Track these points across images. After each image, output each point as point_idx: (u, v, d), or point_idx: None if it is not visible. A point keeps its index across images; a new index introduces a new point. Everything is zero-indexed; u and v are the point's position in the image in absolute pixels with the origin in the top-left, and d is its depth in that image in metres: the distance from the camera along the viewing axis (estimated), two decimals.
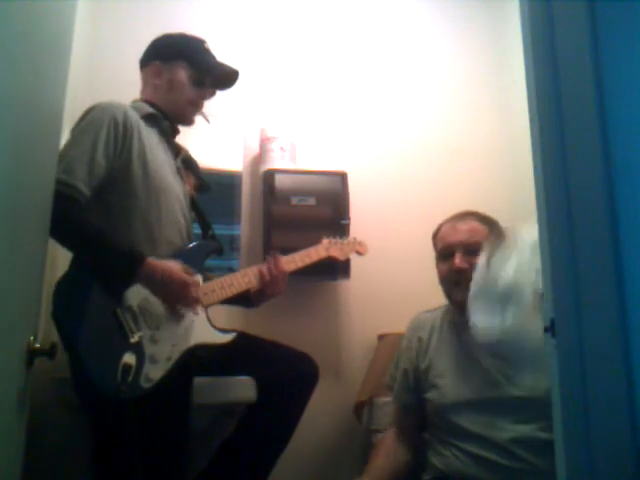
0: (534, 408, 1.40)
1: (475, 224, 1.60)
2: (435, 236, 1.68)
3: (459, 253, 1.56)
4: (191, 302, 1.47)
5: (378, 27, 2.49)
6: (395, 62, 2.48)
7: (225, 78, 1.74)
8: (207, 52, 1.71)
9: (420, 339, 1.66)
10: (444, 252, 1.61)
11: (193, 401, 1.51)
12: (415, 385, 1.63)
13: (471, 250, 1.55)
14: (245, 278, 1.62)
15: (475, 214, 1.64)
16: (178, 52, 1.66)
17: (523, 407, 1.43)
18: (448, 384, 1.55)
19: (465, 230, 1.59)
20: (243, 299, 1.70)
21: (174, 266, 1.46)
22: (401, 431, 1.65)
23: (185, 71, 1.65)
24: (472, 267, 1.52)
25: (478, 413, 1.47)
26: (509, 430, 1.42)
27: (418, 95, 2.48)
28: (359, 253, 1.93)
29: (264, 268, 1.66)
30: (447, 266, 1.59)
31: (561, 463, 0.84)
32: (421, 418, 1.64)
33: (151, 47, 1.69)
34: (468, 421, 1.48)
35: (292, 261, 1.72)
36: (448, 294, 1.62)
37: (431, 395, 1.57)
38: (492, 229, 1.60)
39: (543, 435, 1.37)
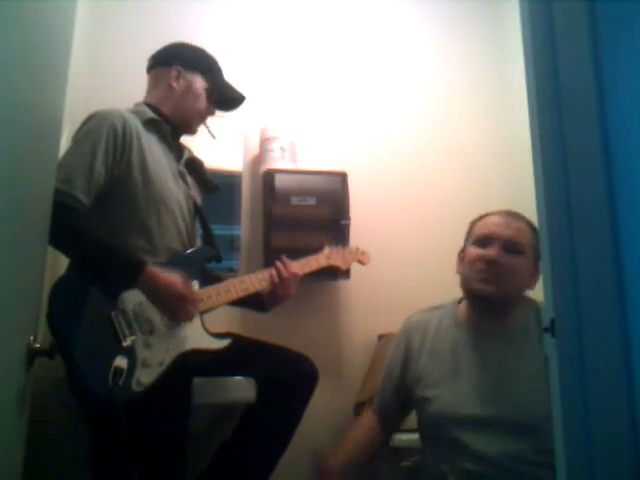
0: (531, 431, 1.35)
1: (525, 227, 1.53)
2: (476, 222, 1.59)
3: (498, 246, 1.49)
4: (186, 317, 1.46)
5: (378, 28, 2.49)
6: (395, 62, 2.48)
7: (232, 101, 1.78)
8: (221, 72, 1.75)
9: (408, 346, 1.59)
10: (482, 239, 1.53)
11: (192, 402, 1.50)
12: (398, 396, 1.60)
13: (511, 249, 1.49)
14: (242, 284, 1.61)
15: (525, 218, 1.56)
16: (198, 63, 1.69)
17: (520, 428, 1.37)
18: (443, 395, 1.47)
19: (516, 228, 1.52)
20: (255, 303, 1.71)
21: (175, 278, 1.45)
22: (383, 419, 1.65)
23: (203, 83, 1.68)
24: (505, 265, 1.47)
25: (474, 428, 1.40)
26: (503, 446, 1.36)
27: (418, 95, 2.48)
28: (361, 262, 1.92)
29: (274, 271, 1.65)
30: (480, 252, 1.51)
31: (561, 463, 0.84)
32: (402, 419, 1.65)
33: (171, 51, 1.71)
34: (464, 436, 1.41)
35: None
36: (467, 280, 1.53)
37: (423, 407, 1.50)
38: (535, 238, 1.50)
39: (535, 457, 1.33)
